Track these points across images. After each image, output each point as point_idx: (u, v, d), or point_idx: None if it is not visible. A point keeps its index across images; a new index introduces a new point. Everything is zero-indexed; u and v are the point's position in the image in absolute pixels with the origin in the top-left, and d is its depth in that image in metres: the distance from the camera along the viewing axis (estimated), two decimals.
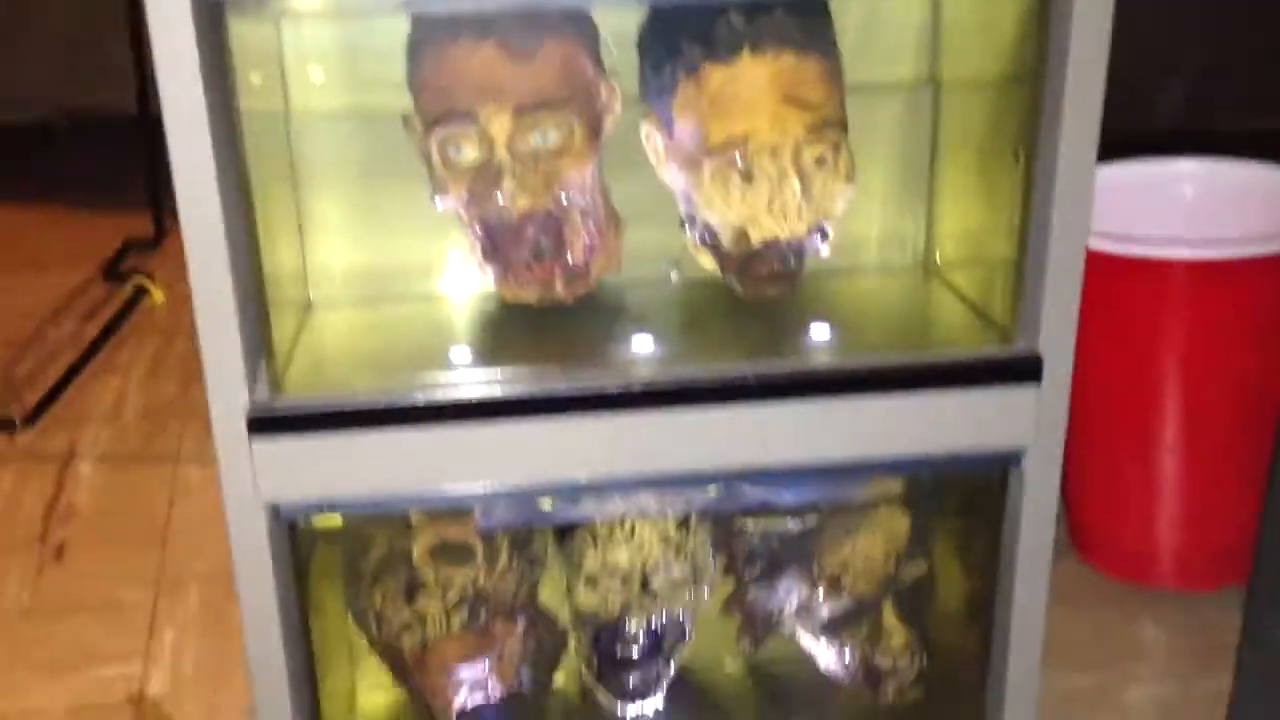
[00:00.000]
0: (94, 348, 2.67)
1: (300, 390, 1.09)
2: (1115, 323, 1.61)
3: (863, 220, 1.30)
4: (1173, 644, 1.76)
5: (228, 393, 1.06)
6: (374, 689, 1.37)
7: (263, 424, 1.06)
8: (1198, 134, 1.97)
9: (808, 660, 1.34)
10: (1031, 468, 1.15)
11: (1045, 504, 1.16)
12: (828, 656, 1.31)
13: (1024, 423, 1.13)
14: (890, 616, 1.27)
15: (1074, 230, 1.08)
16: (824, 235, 1.15)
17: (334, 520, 1.16)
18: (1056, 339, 1.10)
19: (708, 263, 1.19)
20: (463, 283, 1.28)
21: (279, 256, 1.16)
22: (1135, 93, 1.97)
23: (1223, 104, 1.98)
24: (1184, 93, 1.96)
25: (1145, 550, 1.80)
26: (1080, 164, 1.06)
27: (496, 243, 1.14)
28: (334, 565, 1.28)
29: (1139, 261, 1.55)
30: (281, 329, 1.15)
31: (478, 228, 1.14)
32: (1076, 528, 1.89)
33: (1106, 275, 1.55)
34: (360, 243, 1.28)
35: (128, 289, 2.91)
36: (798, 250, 1.15)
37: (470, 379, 1.12)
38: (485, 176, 1.11)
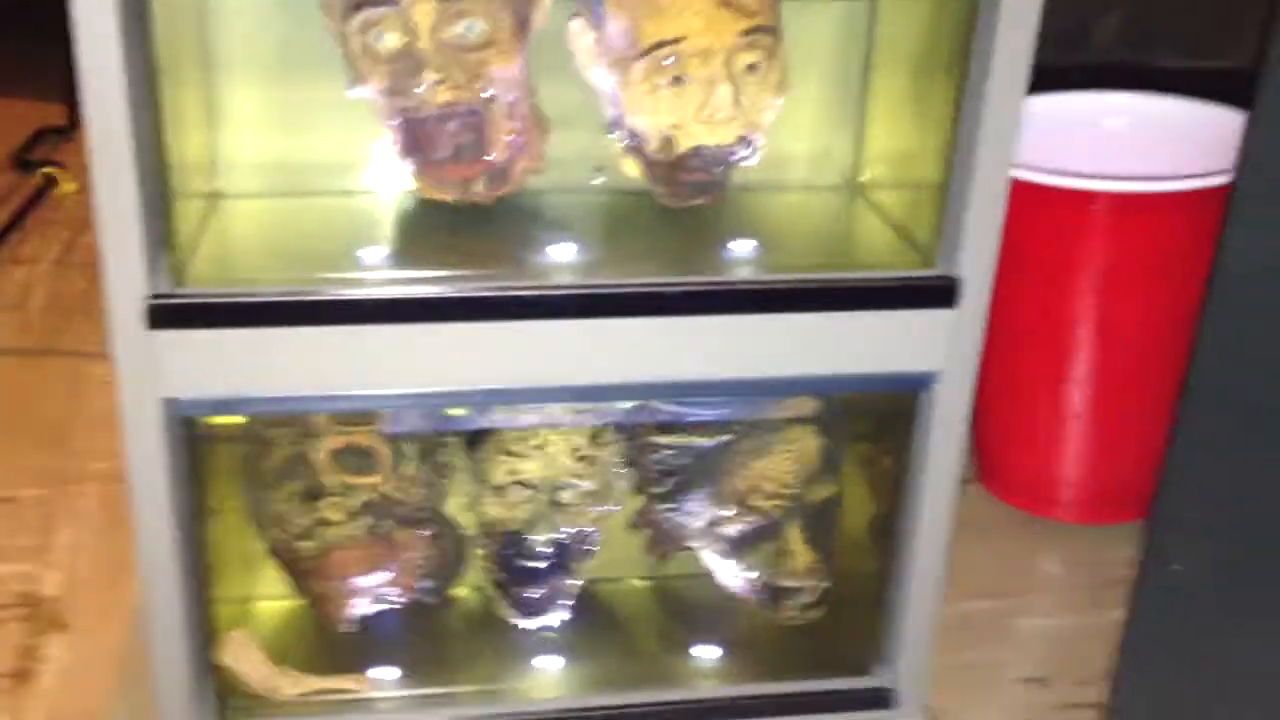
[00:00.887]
0: None
1: (203, 283, 1.06)
2: (1035, 253, 1.62)
3: (792, 135, 1.28)
4: (1070, 576, 1.79)
5: (126, 282, 1.02)
6: (271, 594, 1.34)
7: (161, 316, 1.02)
8: (1134, 69, 1.97)
9: (712, 577, 1.34)
10: (943, 392, 1.15)
11: (954, 429, 1.17)
12: (732, 574, 1.31)
13: (939, 346, 1.12)
14: (796, 537, 1.28)
15: (999, 156, 1.07)
16: (751, 146, 1.13)
17: (234, 420, 1.13)
18: (976, 264, 1.10)
19: (632, 170, 1.16)
20: (380, 179, 1.24)
21: (186, 144, 1.12)
22: (1072, 24, 1.97)
23: (1160, 40, 1.99)
24: (1121, 26, 1.96)
25: (1049, 482, 1.82)
26: (1010, 88, 1.05)
27: (416, 137, 1.10)
28: (233, 466, 1.25)
29: (1062, 192, 1.55)
30: (186, 220, 1.11)
31: (396, 120, 1.10)
32: (983, 457, 1.91)
33: (1030, 204, 1.55)
34: (273, 133, 1.24)
35: (36, 178, 2.83)
36: (724, 160, 1.13)
37: (383, 279, 1.09)
38: (406, 66, 1.07)
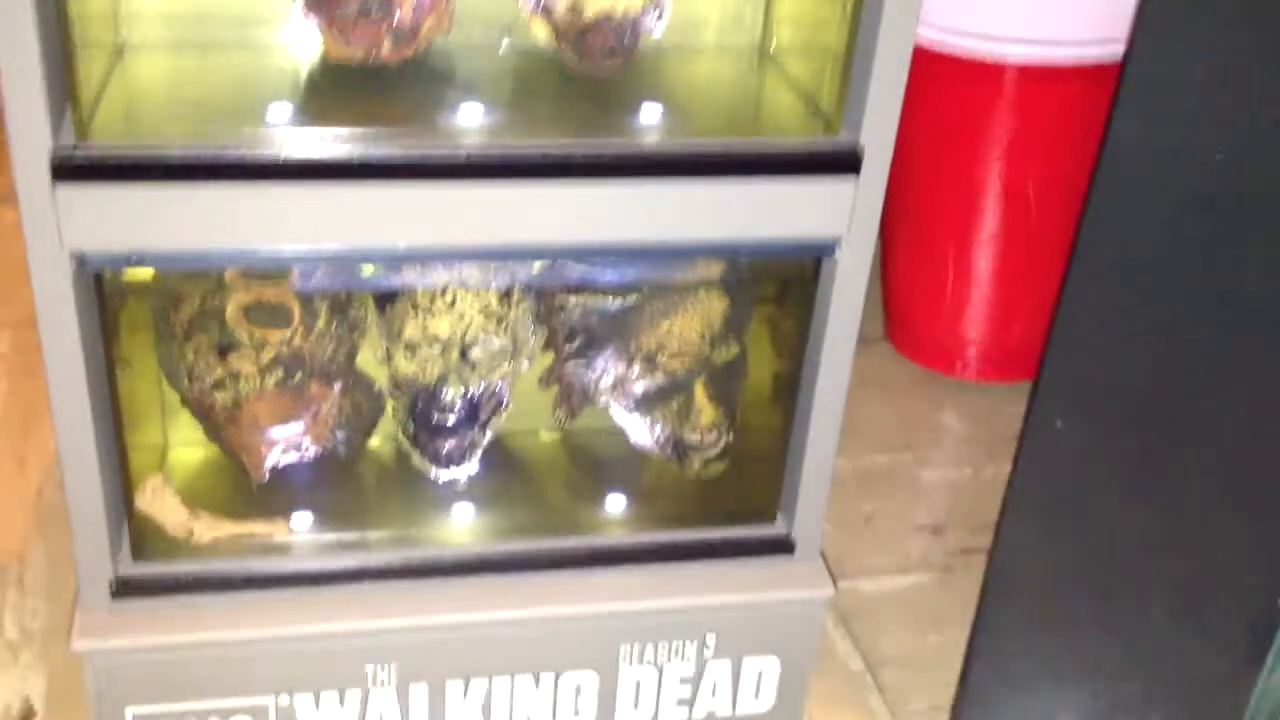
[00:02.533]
0: None
1: (108, 137, 1.05)
2: (943, 119, 1.64)
3: (703, 0, 1.28)
4: (969, 431, 1.87)
5: (31, 137, 1.01)
6: (186, 444, 1.37)
7: (67, 170, 1.02)
8: None
9: (620, 433, 1.38)
10: (844, 257, 1.18)
11: (854, 293, 1.20)
12: (639, 430, 1.35)
13: (841, 214, 1.15)
14: (701, 395, 1.31)
15: (902, 26, 1.08)
16: (660, 12, 1.13)
17: (144, 273, 1.13)
18: (877, 133, 1.12)
19: (541, 33, 1.16)
20: (287, 35, 1.23)
21: None
22: None
23: None
24: None
25: (953, 342, 1.88)
26: None
27: None
28: (146, 319, 1.26)
29: (969, 60, 1.57)
30: (90, 72, 1.09)
31: None
32: (891, 317, 1.96)
33: (938, 72, 1.57)
34: None
35: None
36: (633, 25, 1.13)
37: (289, 136, 1.09)
38: None
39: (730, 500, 1.38)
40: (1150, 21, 1.01)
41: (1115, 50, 1.55)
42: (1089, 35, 1.67)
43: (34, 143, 1.01)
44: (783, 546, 1.34)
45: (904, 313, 1.92)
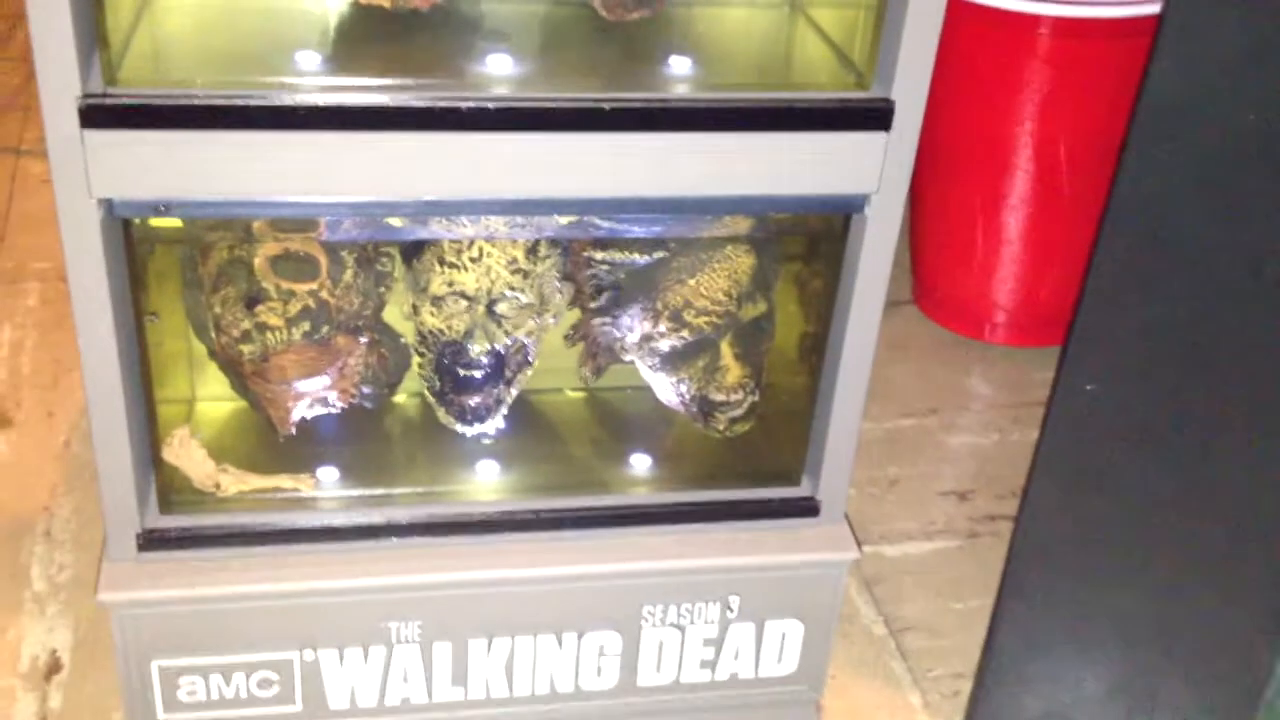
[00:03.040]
0: None
1: (136, 82, 1.04)
2: (976, 76, 1.62)
3: None
4: (996, 396, 1.85)
5: (59, 82, 1.01)
6: (213, 397, 1.37)
7: (95, 116, 1.02)
8: None
9: (645, 391, 1.37)
10: (874, 214, 1.16)
11: (884, 251, 1.19)
12: (665, 388, 1.35)
13: (872, 169, 1.14)
14: (727, 353, 1.31)
15: None
16: None
17: (172, 223, 1.13)
18: (910, 88, 1.10)
19: None
20: None
21: None
22: None
23: None
24: None
25: (982, 305, 1.86)
26: None
27: None
28: (173, 269, 1.26)
29: (1004, 14, 1.55)
30: (119, 17, 1.08)
31: None
32: (919, 281, 1.95)
33: (972, 27, 1.55)
34: None
35: None
36: None
37: (319, 85, 1.08)
38: None
39: (755, 461, 1.38)
40: None
41: (1151, 8, 1.53)
42: None
43: (63, 88, 1.01)
44: (807, 509, 1.33)
45: (932, 276, 1.91)
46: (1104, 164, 1.64)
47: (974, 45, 1.57)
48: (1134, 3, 1.55)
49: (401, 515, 1.26)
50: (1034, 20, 1.54)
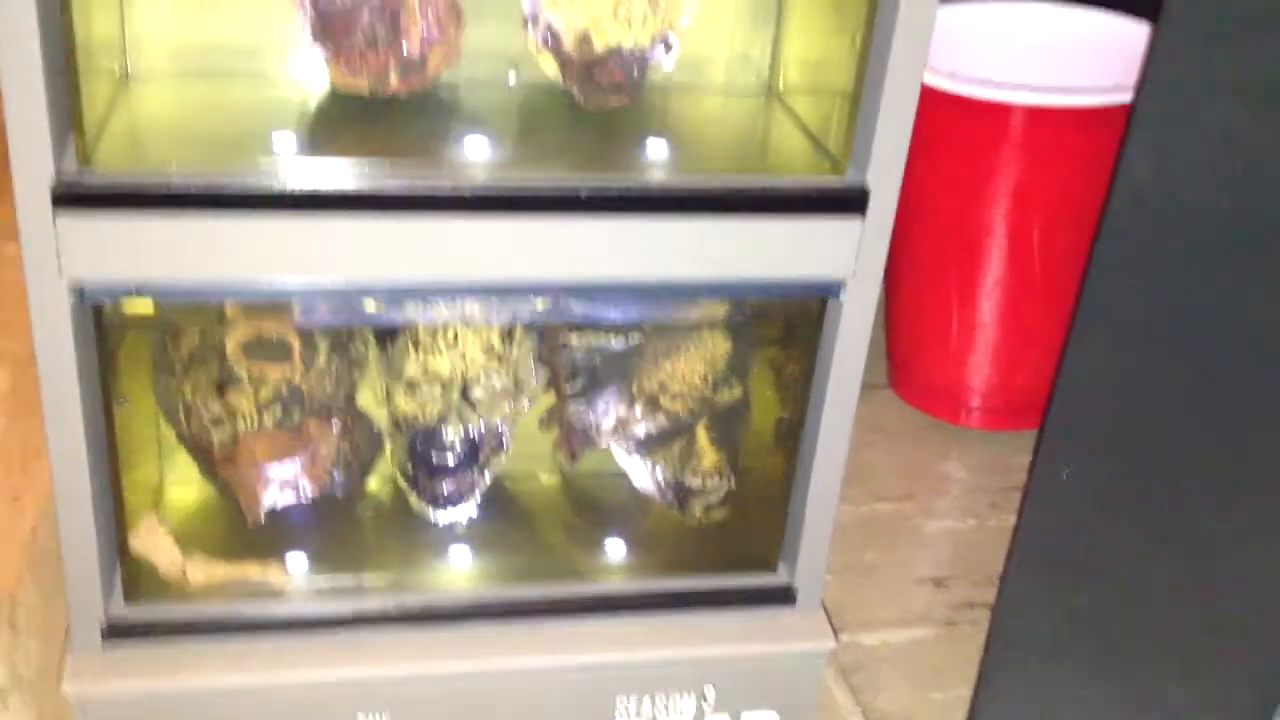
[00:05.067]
0: None
1: (111, 166, 1.04)
2: (950, 162, 1.63)
3: (711, 38, 1.28)
4: (974, 480, 1.85)
5: (32, 164, 1.00)
6: (182, 482, 1.35)
7: (68, 199, 1.01)
8: None
9: (621, 476, 1.36)
10: (849, 299, 1.17)
11: (859, 335, 1.19)
12: (640, 473, 1.34)
13: (846, 255, 1.14)
14: (703, 438, 1.30)
15: (910, 67, 1.07)
16: (668, 47, 1.13)
17: (144, 306, 1.12)
18: (884, 174, 1.11)
19: (549, 67, 1.16)
20: (293, 65, 1.23)
21: (94, 22, 1.09)
22: None
23: None
24: None
25: (957, 389, 1.87)
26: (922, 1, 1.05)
27: (328, 24, 1.08)
28: (144, 353, 1.25)
29: (977, 103, 1.57)
30: (94, 100, 1.09)
31: (308, 6, 1.08)
32: (894, 363, 1.95)
33: (945, 114, 1.57)
34: (185, 13, 1.21)
35: None
36: (641, 60, 1.13)
37: (295, 168, 1.08)
38: None
39: (731, 547, 1.36)
40: (1161, 62, 1.01)
41: (1123, 97, 1.55)
42: (1097, 83, 1.67)
43: (36, 170, 1.00)
44: (784, 597, 1.31)
45: (907, 359, 1.91)
46: (1077, 249, 1.65)
47: (947, 132, 1.59)
48: (1105, 92, 1.57)
49: (372, 605, 1.23)
50: (1006, 109, 1.56)
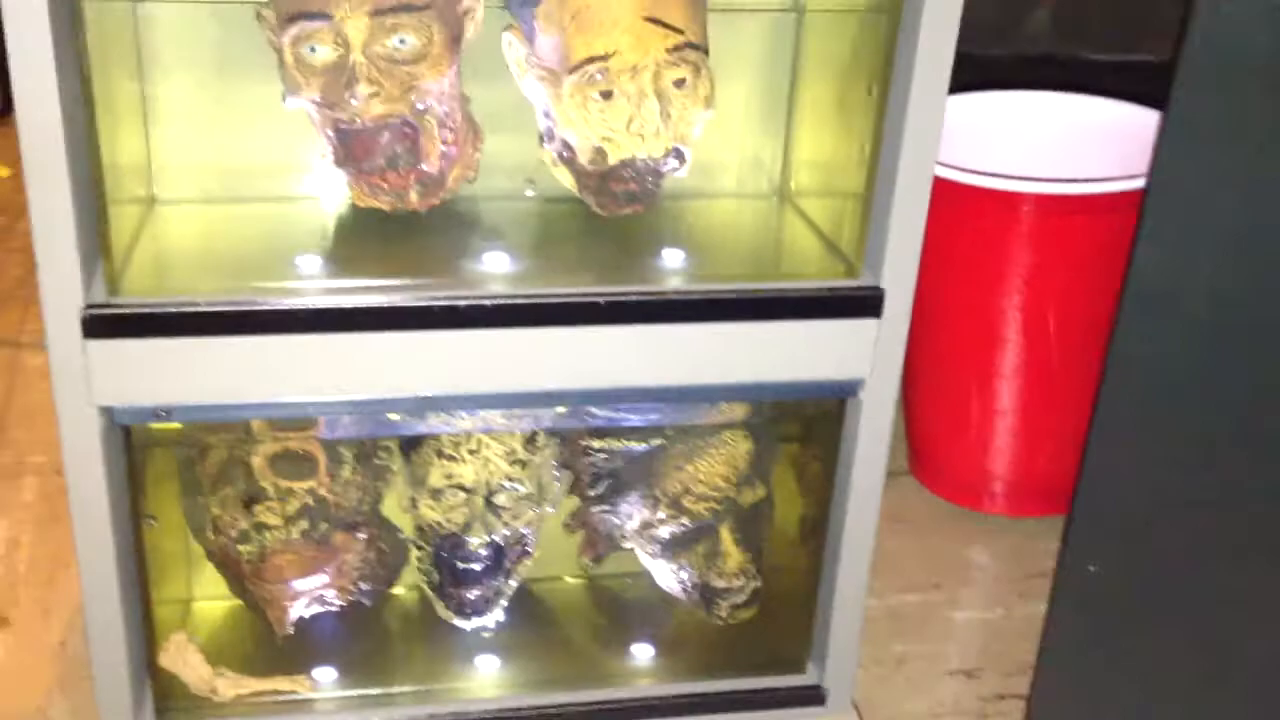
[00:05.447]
0: None
1: (139, 291, 1.06)
2: (963, 251, 1.65)
3: (723, 144, 1.31)
4: (999, 569, 1.83)
5: (62, 292, 1.02)
6: (210, 597, 1.35)
7: (98, 325, 1.03)
8: (1064, 61, 2.01)
9: (646, 578, 1.36)
10: (868, 397, 1.17)
11: (880, 432, 1.20)
12: (666, 575, 1.33)
13: (863, 355, 1.15)
14: (728, 539, 1.30)
15: (920, 169, 1.09)
16: (681, 158, 1.15)
17: (172, 425, 1.13)
18: (898, 275, 1.12)
19: (565, 179, 1.18)
20: (315, 184, 1.25)
21: (121, 149, 1.12)
22: (1001, 18, 2.00)
23: (1088, 33, 2.02)
24: (1049, 20, 1.99)
25: (979, 476, 1.86)
26: (929, 104, 1.07)
27: (349, 147, 1.11)
28: (171, 470, 1.26)
29: (988, 192, 1.58)
30: (121, 226, 1.11)
31: (330, 131, 1.11)
32: (915, 451, 1.95)
33: (958, 204, 1.58)
34: (209, 139, 1.24)
35: None
36: (655, 171, 1.15)
37: (318, 287, 1.10)
38: (339, 78, 1.08)
39: (759, 648, 1.36)
40: (1168, 161, 1.02)
41: (1132, 183, 1.56)
42: (1106, 170, 1.69)
43: (66, 299, 1.02)
44: (814, 698, 1.31)
45: (928, 446, 1.91)
46: (1093, 334, 1.66)
47: (959, 222, 1.60)
48: (1115, 179, 1.58)
49: (400, 715, 1.23)
50: (1017, 198, 1.57)
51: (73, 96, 0.99)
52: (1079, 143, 1.85)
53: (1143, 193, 1.06)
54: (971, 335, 1.73)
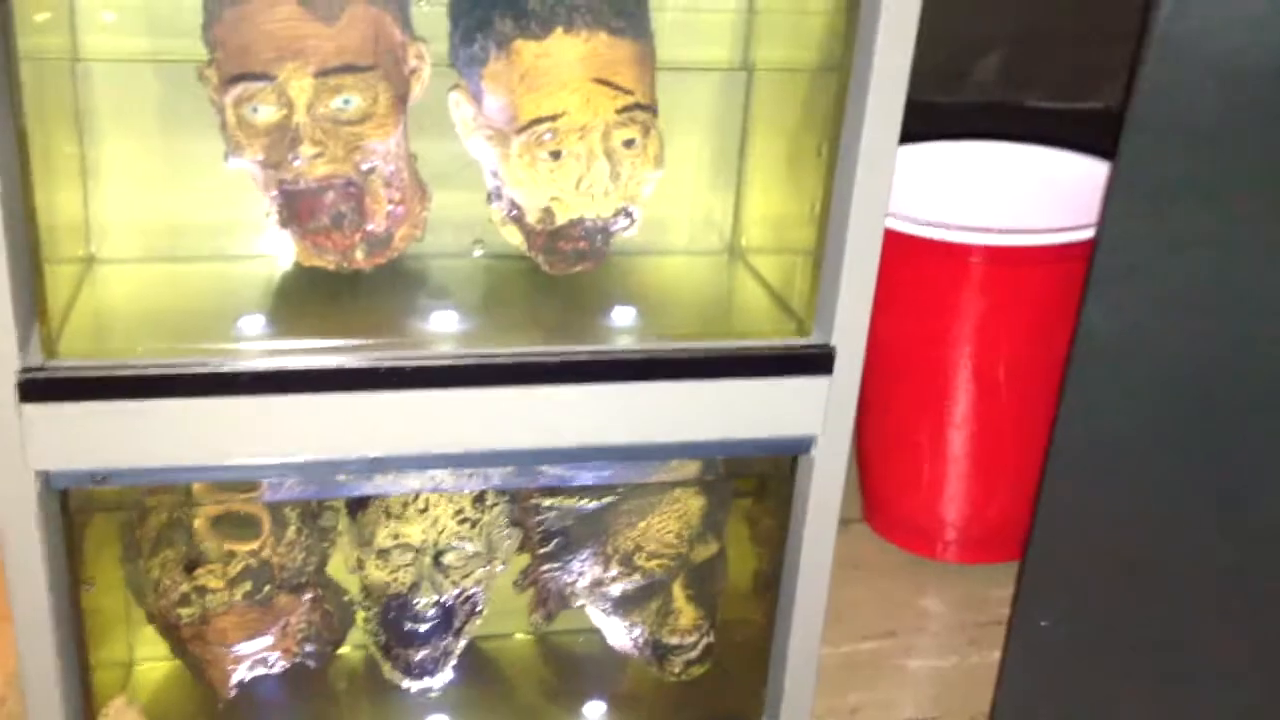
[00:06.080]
0: None
1: (76, 354, 1.04)
2: (913, 301, 1.65)
3: (674, 202, 1.30)
4: (953, 616, 1.83)
5: None
6: (151, 658, 1.32)
7: (33, 390, 1.01)
8: (1011, 109, 2.02)
9: (598, 635, 1.34)
10: (820, 454, 1.17)
11: (831, 488, 1.19)
12: (617, 632, 1.32)
13: (815, 412, 1.15)
14: (680, 595, 1.29)
15: (869, 229, 1.09)
16: (631, 217, 1.14)
17: (111, 489, 1.11)
18: (849, 332, 1.12)
19: (513, 238, 1.17)
20: (258, 243, 1.23)
21: (59, 209, 1.10)
22: (949, 66, 2.01)
23: (1038, 81, 2.04)
24: (999, 68, 2.00)
25: (932, 523, 1.86)
26: (879, 161, 1.07)
27: (293, 207, 1.09)
28: (111, 532, 1.23)
29: (937, 244, 1.59)
30: (59, 287, 1.08)
31: (274, 191, 1.09)
32: (869, 499, 1.95)
33: (907, 255, 1.59)
34: (150, 197, 1.22)
35: None
36: (604, 230, 1.14)
37: (261, 348, 1.08)
38: (282, 139, 1.07)
39: (713, 703, 1.34)
40: (1119, 209, 1.03)
41: (1081, 234, 1.57)
42: (1057, 223, 1.70)
43: (0, 362, 1.00)
44: None
45: (881, 495, 1.91)
46: (1044, 382, 1.66)
47: (908, 273, 1.61)
48: (1064, 229, 1.59)
49: None
50: (965, 249, 1.58)
51: (8, 156, 0.97)
52: (1028, 193, 1.86)
53: (1091, 246, 1.07)
54: (923, 384, 1.74)
